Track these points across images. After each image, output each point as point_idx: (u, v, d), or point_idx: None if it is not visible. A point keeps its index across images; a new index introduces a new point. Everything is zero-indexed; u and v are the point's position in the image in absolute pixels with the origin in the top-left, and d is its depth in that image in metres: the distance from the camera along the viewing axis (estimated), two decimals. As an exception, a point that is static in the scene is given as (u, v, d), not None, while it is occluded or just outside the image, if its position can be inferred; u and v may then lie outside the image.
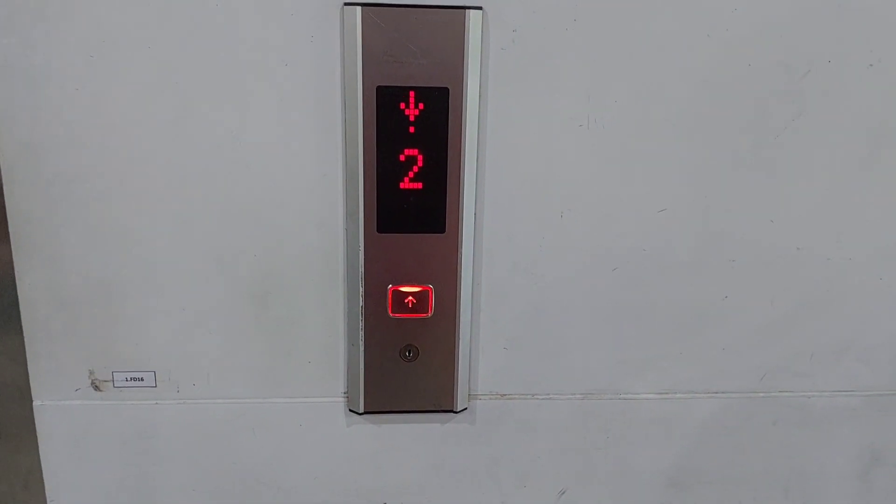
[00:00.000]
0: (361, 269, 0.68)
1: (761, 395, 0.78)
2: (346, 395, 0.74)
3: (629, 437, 0.78)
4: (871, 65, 0.67)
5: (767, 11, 0.65)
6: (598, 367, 0.75)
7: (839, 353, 0.77)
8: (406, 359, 0.72)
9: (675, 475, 0.80)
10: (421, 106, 0.64)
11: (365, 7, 0.62)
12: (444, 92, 0.64)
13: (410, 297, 0.70)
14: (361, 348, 0.71)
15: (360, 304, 0.69)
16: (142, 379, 0.72)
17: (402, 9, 0.62)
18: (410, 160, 0.66)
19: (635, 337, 0.74)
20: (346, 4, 0.62)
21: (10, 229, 0.66)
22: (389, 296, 0.69)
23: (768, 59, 0.66)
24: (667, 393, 0.77)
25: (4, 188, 0.65)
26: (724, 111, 0.67)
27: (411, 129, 0.65)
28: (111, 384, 0.72)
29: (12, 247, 0.67)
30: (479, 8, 0.63)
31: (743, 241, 0.72)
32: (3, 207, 0.66)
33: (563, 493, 0.80)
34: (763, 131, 0.68)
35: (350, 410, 0.74)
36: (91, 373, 0.71)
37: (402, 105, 0.64)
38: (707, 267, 0.72)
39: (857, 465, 0.81)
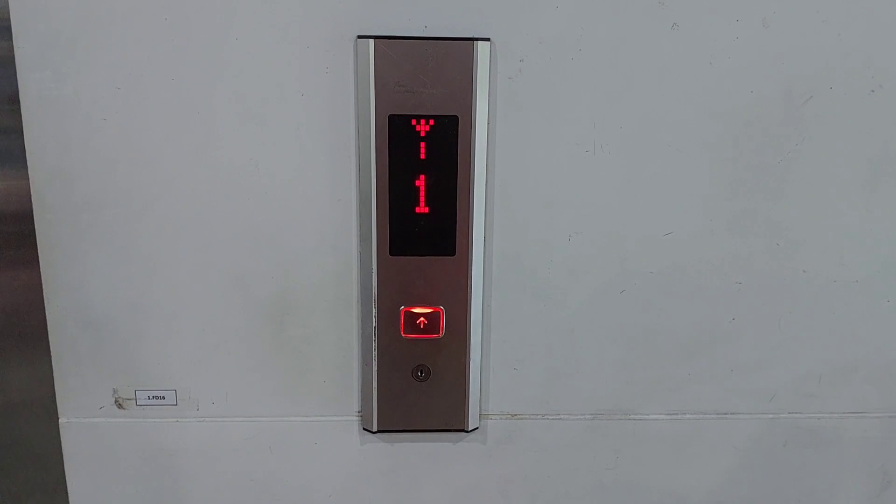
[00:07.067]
0: (374, 291, 0.70)
1: (770, 416, 0.78)
2: (359, 413, 0.76)
3: (639, 457, 0.79)
4: (872, 91, 0.68)
5: (768, 39, 0.66)
6: (607, 387, 0.76)
7: (848, 374, 0.77)
8: (418, 378, 0.73)
9: (686, 495, 0.80)
10: (431, 134, 0.66)
11: (377, 39, 0.64)
12: (453, 120, 0.66)
13: (422, 319, 0.71)
14: (375, 368, 0.73)
15: (374, 324, 0.71)
16: (163, 397, 0.74)
17: (413, 41, 0.65)
18: (422, 185, 0.68)
19: (643, 358, 0.75)
20: (359, 37, 0.65)
21: (40, 253, 0.69)
22: (402, 317, 0.71)
23: (770, 86, 0.68)
24: (676, 414, 0.77)
25: (35, 214, 0.68)
26: (727, 136, 0.69)
27: (422, 156, 0.67)
28: (134, 402, 0.74)
29: (41, 270, 0.69)
30: (487, 39, 0.65)
31: (749, 263, 0.73)
32: (33, 232, 0.68)
33: (575, 513, 0.81)
34: (766, 156, 0.70)
35: (364, 429, 0.76)
36: (115, 391, 0.74)
37: (414, 133, 0.66)
38: (714, 289, 0.73)
39: (869, 487, 0.81)
